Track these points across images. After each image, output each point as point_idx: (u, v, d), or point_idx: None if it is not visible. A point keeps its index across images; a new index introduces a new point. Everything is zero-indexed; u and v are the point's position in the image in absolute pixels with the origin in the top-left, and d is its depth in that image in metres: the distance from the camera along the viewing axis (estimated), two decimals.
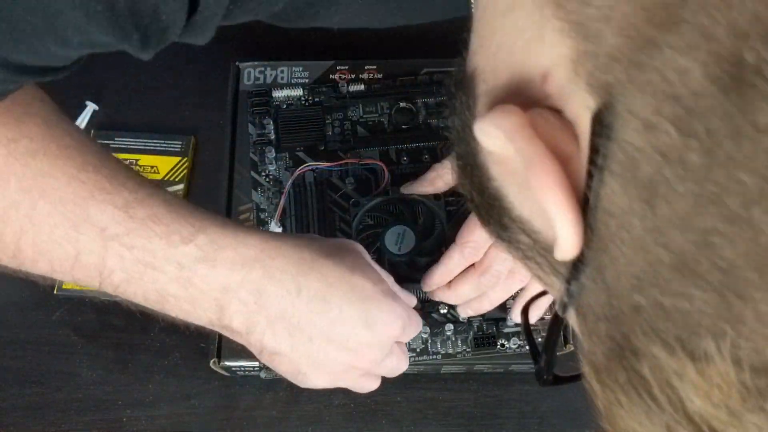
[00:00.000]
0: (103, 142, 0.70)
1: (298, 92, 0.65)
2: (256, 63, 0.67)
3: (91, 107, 0.72)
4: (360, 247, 0.50)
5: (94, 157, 0.43)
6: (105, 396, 0.62)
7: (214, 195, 0.64)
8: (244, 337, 0.45)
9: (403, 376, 0.62)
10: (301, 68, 0.67)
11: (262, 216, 0.62)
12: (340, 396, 0.62)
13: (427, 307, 0.58)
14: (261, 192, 0.62)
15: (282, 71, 0.67)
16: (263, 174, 0.63)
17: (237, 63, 0.67)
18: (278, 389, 0.62)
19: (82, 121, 0.71)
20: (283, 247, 0.45)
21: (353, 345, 0.46)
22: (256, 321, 0.44)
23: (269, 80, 0.66)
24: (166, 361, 0.63)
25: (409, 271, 0.57)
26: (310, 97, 0.65)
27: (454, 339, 0.58)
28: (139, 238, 0.42)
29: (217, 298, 0.43)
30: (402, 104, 0.64)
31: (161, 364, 0.63)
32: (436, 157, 0.64)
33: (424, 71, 0.66)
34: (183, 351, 0.63)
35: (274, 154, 0.63)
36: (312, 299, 0.44)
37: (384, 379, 0.62)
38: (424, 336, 0.58)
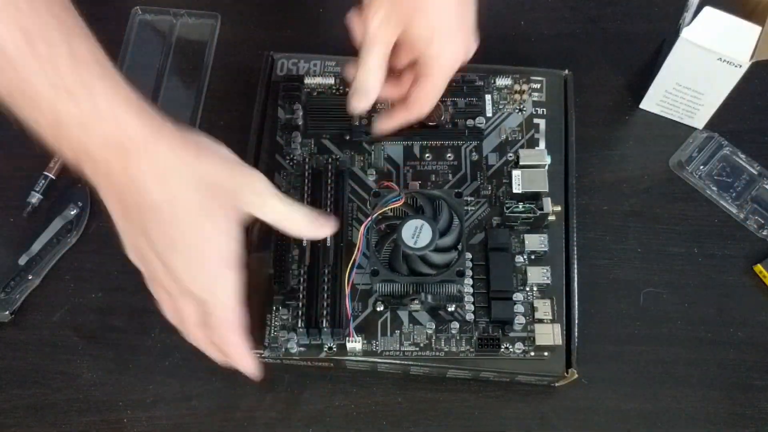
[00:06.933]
0: None
1: (330, 81, 0.66)
2: (289, 54, 0.68)
3: None
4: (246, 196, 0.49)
5: None
6: (105, 397, 0.62)
7: None
8: (86, 178, 0.47)
9: (404, 377, 0.63)
10: (334, 63, 0.67)
11: None
12: (341, 397, 0.62)
13: (406, 301, 0.58)
14: (283, 176, 0.63)
15: (315, 64, 0.67)
16: (287, 158, 0.64)
17: (271, 53, 0.68)
18: (279, 390, 0.62)
19: None
20: (157, 147, 0.45)
21: (160, 252, 0.48)
22: (100, 182, 0.47)
23: (302, 71, 0.67)
24: (167, 362, 0.63)
25: (421, 266, 0.57)
26: (342, 88, 0.66)
27: (458, 338, 0.58)
28: (31, 75, 0.41)
29: (77, 154, 0.45)
30: None
31: (162, 365, 0.63)
32: (460, 157, 0.64)
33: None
34: (183, 352, 0.63)
35: (300, 139, 0.64)
36: (152, 206, 0.46)
37: (385, 381, 0.63)
38: (429, 332, 0.58)
